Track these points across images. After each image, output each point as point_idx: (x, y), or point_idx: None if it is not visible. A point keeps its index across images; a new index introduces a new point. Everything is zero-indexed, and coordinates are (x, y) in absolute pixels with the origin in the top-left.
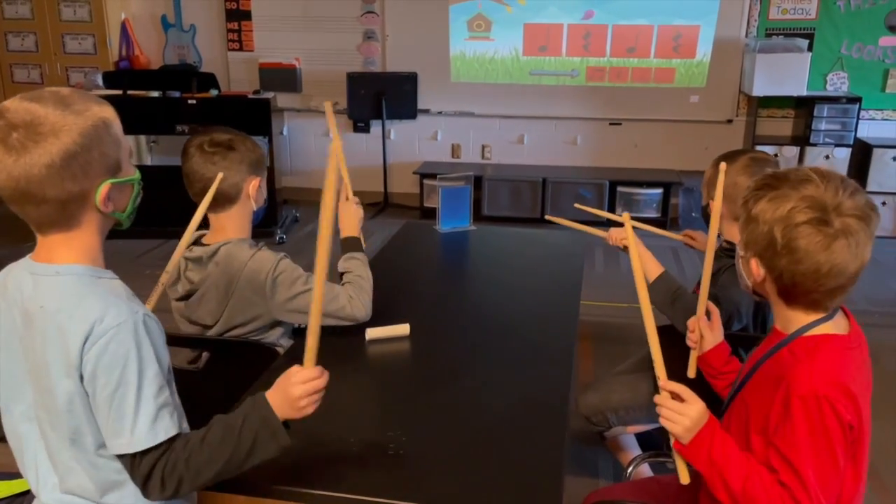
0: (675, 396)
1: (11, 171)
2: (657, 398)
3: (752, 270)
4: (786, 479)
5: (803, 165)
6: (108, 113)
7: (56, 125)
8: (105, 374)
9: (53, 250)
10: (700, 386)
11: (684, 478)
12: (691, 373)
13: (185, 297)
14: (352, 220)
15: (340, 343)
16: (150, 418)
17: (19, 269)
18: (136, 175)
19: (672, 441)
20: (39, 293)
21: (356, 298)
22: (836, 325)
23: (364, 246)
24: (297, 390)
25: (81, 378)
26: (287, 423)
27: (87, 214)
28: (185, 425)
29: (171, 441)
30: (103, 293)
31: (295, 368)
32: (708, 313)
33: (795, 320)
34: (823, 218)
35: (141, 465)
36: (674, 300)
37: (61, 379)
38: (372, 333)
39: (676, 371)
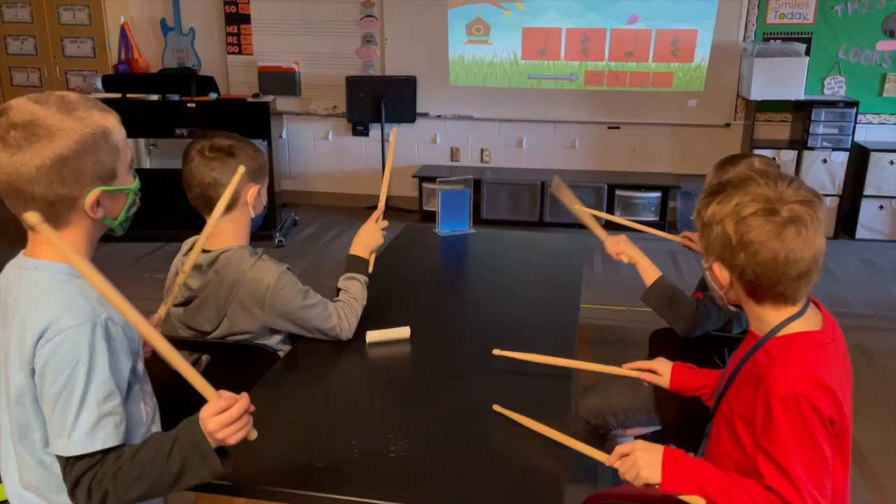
0: (620, 456)
1: (4, 168)
2: (614, 465)
3: (717, 275)
4: (773, 483)
5: (741, 168)
6: (111, 122)
7: (52, 128)
8: (53, 372)
9: (39, 246)
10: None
11: None
12: None
13: (184, 304)
14: (368, 241)
15: (341, 346)
16: (89, 425)
17: (13, 261)
18: (133, 185)
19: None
20: (19, 285)
21: (345, 320)
22: (808, 321)
23: (370, 270)
24: (210, 424)
25: (33, 373)
26: (225, 450)
27: (76, 217)
28: (135, 437)
29: (106, 452)
30: (71, 291)
31: (204, 406)
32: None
33: (767, 319)
34: (770, 208)
35: (72, 471)
36: (671, 304)
37: (16, 371)
38: (372, 336)
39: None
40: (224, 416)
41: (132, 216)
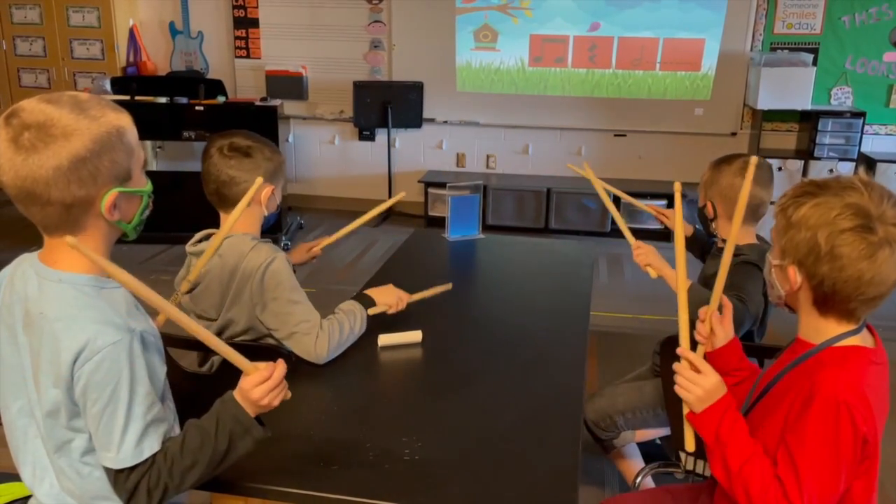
0: (693, 368)
1: (19, 171)
2: (676, 365)
3: (790, 278)
4: (783, 475)
5: (846, 174)
6: (124, 121)
7: (68, 128)
8: (96, 390)
9: (58, 253)
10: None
11: (690, 445)
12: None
13: (190, 290)
14: (385, 297)
15: (353, 350)
16: (137, 437)
17: (28, 265)
18: (147, 187)
19: (685, 411)
20: (42, 298)
21: (325, 334)
22: (864, 339)
23: (371, 313)
24: (255, 394)
25: (71, 391)
26: (259, 418)
27: (92, 221)
28: (177, 428)
29: (154, 456)
30: (102, 308)
31: (244, 378)
32: (720, 307)
33: (825, 331)
34: (868, 225)
35: (127, 482)
36: (700, 302)
37: (49, 387)
38: (384, 340)
39: None
40: (268, 383)
41: (145, 220)
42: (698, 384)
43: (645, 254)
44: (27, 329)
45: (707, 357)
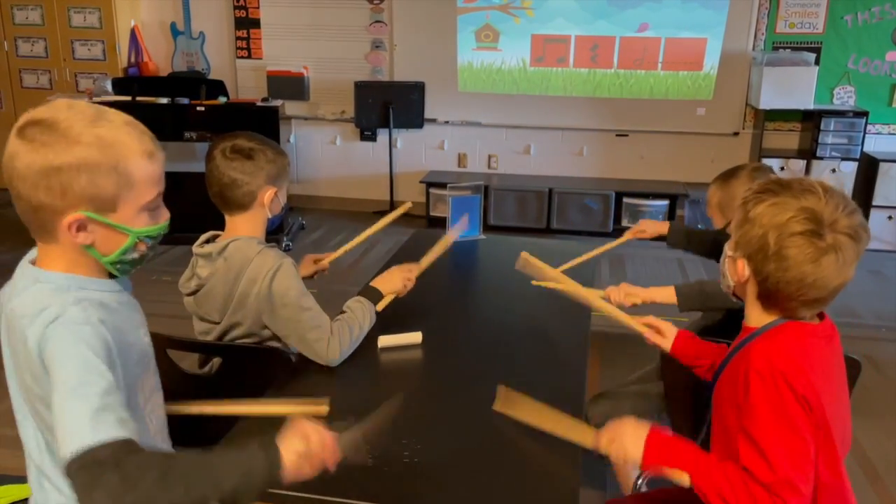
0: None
1: (11, 157)
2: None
3: (738, 270)
4: (747, 462)
5: (808, 177)
6: (136, 152)
7: (66, 133)
8: (52, 372)
9: (43, 256)
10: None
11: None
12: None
13: (194, 293)
14: (390, 285)
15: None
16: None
17: (21, 268)
18: (136, 229)
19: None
20: (18, 297)
21: (336, 337)
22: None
23: (379, 308)
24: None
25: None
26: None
27: (63, 233)
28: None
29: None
30: (64, 298)
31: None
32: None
33: (767, 320)
34: (818, 231)
35: (78, 473)
36: (701, 290)
37: (32, 387)
38: (384, 341)
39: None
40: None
41: (132, 262)
42: (622, 444)
43: (618, 291)
44: (10, 335)
45: (665, 357)
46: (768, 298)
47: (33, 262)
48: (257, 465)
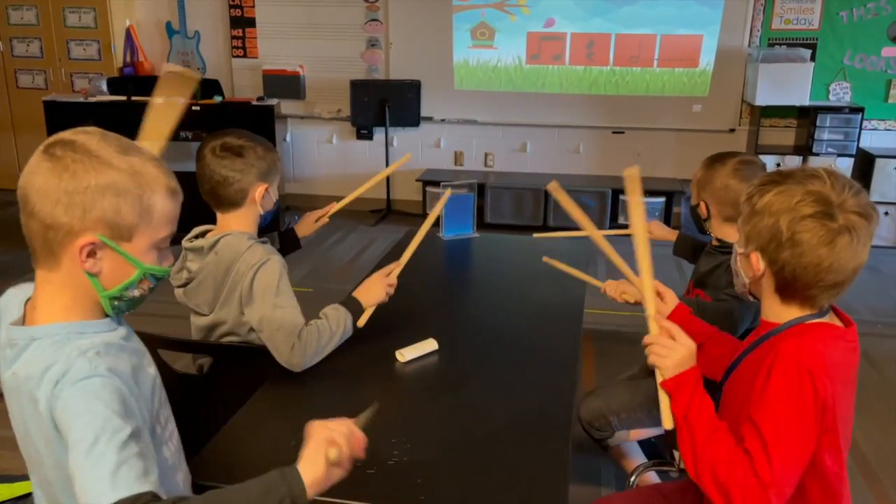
0: (668, 334)
1: (29, 171)
2: (647, 338)
3: (753, 265)
4: (751, 447)
5: (808, 165)
6: (162, 187)
7: (97, 157)
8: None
9: (40, 296)
10: None
11: (667, 423)
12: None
13: (185, 285)
14: (370, 296)
15: (357, 361)
16: (108, 473)
17: (5, 332)
18: (145, 265)
19: (659, 379)
20: (17, 361)
21: (303, 343)
22: (831, 320)
23: (360, 324)
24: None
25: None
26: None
27: (68, 261)
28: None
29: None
30: (69, 352)
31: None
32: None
33: (788, 315)
34: (828, 212)
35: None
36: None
37: (52, 451)
38: (405, 355)
39: None
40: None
41: (129, 301)
42: (673, 350)
43: (615, 286)
44: (18, 401)
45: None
46: (786, 289)
47: (14, 324)
48: (276, 497)
